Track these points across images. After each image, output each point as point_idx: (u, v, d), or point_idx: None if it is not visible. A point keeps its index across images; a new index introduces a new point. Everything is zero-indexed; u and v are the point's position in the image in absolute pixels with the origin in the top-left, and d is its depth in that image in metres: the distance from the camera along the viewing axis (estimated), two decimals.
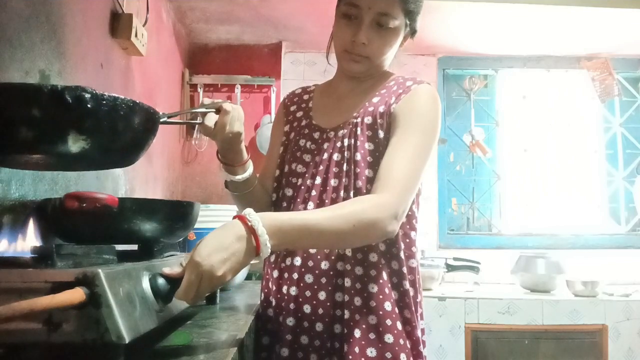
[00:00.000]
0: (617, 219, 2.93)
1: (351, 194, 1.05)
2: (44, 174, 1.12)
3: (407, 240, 1.08)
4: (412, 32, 1.12)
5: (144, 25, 1.73)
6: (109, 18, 1.55)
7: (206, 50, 2.71)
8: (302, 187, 1.10)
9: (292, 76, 2.84)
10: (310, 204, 1.07)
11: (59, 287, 0.60)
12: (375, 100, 1.12)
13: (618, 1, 2.26)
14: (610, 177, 2.96)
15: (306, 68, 2.89)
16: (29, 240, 0.91)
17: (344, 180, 1.07)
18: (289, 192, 1.13)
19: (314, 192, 1.08)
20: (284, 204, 1.12)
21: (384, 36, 1.06)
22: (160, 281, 0.75)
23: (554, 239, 2.82)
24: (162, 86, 2.21)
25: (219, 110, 0.96)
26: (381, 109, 1.09)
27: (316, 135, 1.15)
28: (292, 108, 1.24)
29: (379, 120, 1.08)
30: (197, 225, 1.12)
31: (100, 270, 0.62)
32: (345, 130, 1.10)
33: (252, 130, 2.64)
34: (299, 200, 1.10)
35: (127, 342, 0.61)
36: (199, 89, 2.63)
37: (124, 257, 0.83)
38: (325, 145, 1.12)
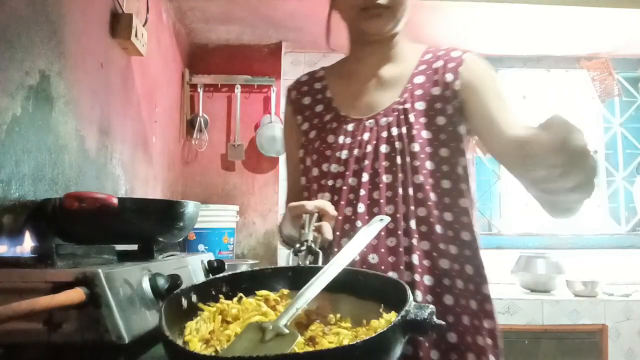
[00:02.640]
0: (617, 219, 2.93)
1: (410, 190, 0.92)
2: (44, 174, 1.12)
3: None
4: None
5: (144, 25, 1.73)
6: (109, 18, 1.55)
7: (206, 50, 2.71)
8: (344, 188, 0.96)
9: (292, 76, 2.80)
10: (361, 206, 0.94)
11: (59, 287, 0.60)
12: (418, 80, 0.99)
13: (618, 1, 2.26)
14: (610, 177, 2.96)
15: (306, 68, 2.86)
16: (29, 240, 0.91)
17: (399, 175, 0.93)
18: (327, 197, 0.97)
19: (362, 192, 0.95)
20: None
21: None
22: (161, 281, 0.75)
23: (554, 239, 2.82)
24: (162, 86, 2.21)
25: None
26: (436, 91, 0.97)
27: (350, 127, 1.00)
28: (306, 101, 1.08)
29: (437, 105, 0.96)
30: (197, 225, 1.12)
31: (100, 270, 0.62)
32: (391, 118, 0.97)
33: (252, 130, 2.65)
34: (342, 203, 0.95)
35: (127, 342, 0.61)
36: (199, 89, 2.63)
37: (124, 257, 0.83)
38: (366, 137, 0.97)
